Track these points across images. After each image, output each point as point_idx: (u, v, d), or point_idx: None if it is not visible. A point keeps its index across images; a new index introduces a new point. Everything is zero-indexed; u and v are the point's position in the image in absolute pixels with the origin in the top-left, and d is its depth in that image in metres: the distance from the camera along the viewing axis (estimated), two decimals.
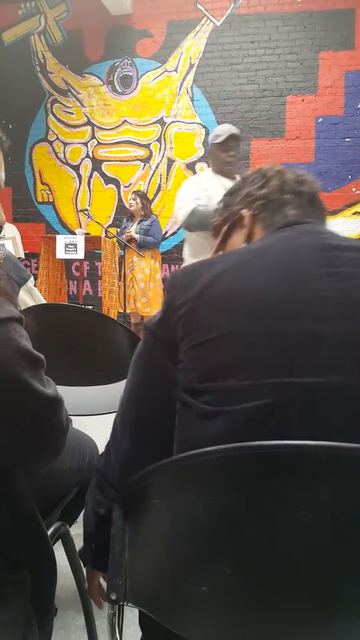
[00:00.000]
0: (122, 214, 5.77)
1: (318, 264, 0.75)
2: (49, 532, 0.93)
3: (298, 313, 0.70)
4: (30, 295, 2.08)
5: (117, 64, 6.12)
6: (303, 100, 5.66)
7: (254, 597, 0.60)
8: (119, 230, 5.33)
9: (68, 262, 5.93)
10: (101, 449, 1.33)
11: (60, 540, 1.06)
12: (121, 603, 0.67)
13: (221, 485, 0.61)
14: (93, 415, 2.06)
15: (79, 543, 1.20)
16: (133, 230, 5.12)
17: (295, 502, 0.57)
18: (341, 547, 0.57)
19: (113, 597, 0.67)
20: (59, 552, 1.02)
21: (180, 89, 5.98)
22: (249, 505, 0.59)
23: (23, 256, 6.20)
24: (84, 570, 1.01)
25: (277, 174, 0.99)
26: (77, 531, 1.24)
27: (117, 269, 5.32)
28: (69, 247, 4.94)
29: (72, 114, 6.34)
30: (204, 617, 0.63)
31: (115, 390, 1.98)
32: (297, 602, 0.59)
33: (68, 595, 1.42)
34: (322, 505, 0.56)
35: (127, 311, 5.30)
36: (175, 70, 5.97)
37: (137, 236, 5.06)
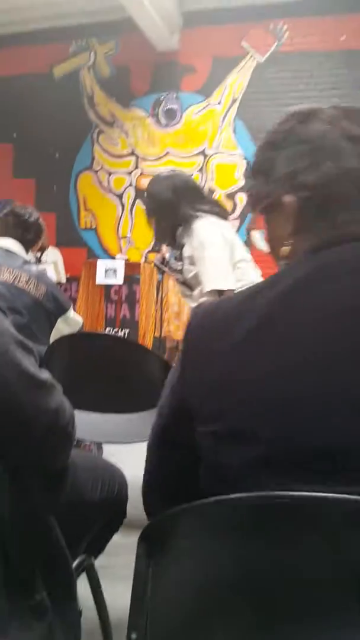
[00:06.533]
0: None
1: None
2: (74, 565, 0.94)
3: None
4: (67, 323, 2.15)
5: (162, 97, 6.29)
6: None
7: None
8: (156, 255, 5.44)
9: (107, 286, 6.04)
10: (130, 478, 1.34)
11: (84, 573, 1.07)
12: None
13: (243, 532, 0.61)
14: (125, 443, 2.07)
15: (102, 575, 1.21)
16: (165, 251, 5.29)
17: (316, 552, 0.56)
18: None
19: (133, 637, 0.67)
20: (83, 583, 1.03)
21: (223, 122, 6.08)
22: (269, 554, 0.59)
23: (64, 280, 6.33)
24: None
25: (336, 141, 0.70)
26: (101, 562, 1.25)
27: (155, 294, 5.39)
28: (108, 272, 5.06)
29: (117, 144, 6.52)
30: None
31: (146, 418, 1.98)
32: None
33: (90, 627, 1.42)
34: (344, 557, 0.56)
35: (163, 335, 5.35)
36: (219, 104, 6.08)
37: (167, 255, 5.22)
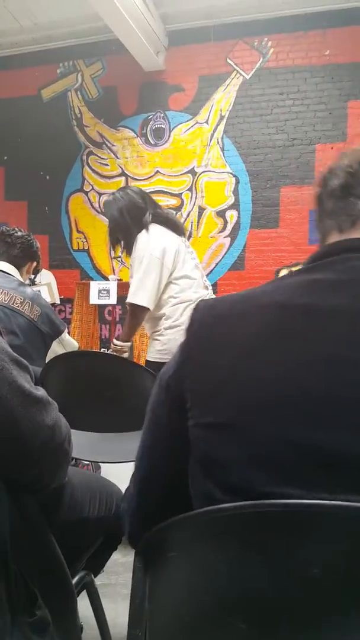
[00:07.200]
0: None
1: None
2: (74, 581, 0.95)
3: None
4: (62, 345, 2.16)
5: (150, 117, 6.36)
6: (332, 148, 5.75)
7: None
8: None
9: (101, 307, 6.06)
10: None
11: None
12: None
13: (236, 541, 0.61)
14: (122, 463, 2.07)
15: (103, 593, 1.21)
16: None
17: (307, 560, 0.57)
18: (353, 606, 0.57)
19: None
20: (84, 600, 1.03)
21: (211, 140, 6.16)
22: (262, 562, 0.59)
23: (58, 301, 6.34)
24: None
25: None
26: (101, 581, 1.25)
27: None
28: (102, 292, 5.07)
29: (107, 165, 6.58)
30: None
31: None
32: None
33: None
34: (334, 563, 0.57)
35: None
36: (206, 122, 6.16)
37: None
